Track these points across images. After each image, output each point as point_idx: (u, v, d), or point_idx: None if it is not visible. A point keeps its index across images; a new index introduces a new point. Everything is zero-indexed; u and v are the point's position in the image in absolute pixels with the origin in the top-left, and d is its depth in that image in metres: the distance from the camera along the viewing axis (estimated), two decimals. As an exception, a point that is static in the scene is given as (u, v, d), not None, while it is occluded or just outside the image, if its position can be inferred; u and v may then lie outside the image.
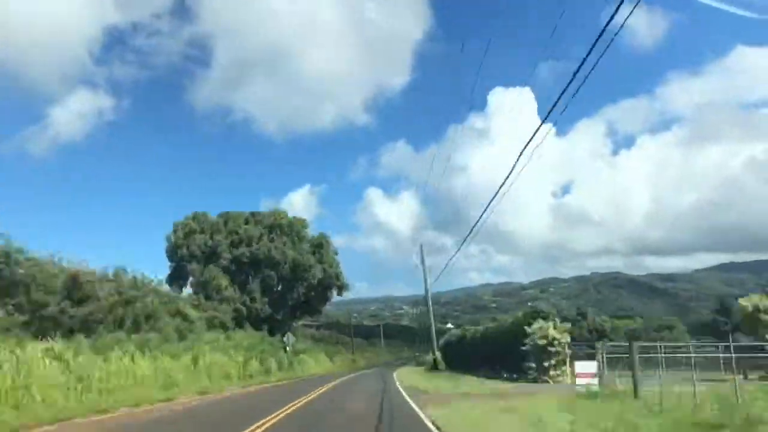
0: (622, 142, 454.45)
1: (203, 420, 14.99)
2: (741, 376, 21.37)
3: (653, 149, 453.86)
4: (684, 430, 10.01)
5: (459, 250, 39.73)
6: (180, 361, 25.91)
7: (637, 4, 8.50)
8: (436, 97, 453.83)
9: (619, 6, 8.39)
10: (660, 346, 21.19)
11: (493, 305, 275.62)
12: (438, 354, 50.78)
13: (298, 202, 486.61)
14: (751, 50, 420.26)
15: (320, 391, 24.11)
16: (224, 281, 51.89)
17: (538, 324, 28.23)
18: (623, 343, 24.19)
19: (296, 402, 18.38)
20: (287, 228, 59.76)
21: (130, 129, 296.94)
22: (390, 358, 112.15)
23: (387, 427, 11.94)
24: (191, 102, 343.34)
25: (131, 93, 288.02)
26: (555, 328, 27.82)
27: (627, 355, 18.22)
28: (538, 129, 13.35)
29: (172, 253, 55.76)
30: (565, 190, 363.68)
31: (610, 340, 32.25)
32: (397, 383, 30.23)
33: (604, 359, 20.99)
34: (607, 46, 9.17)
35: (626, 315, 76.68)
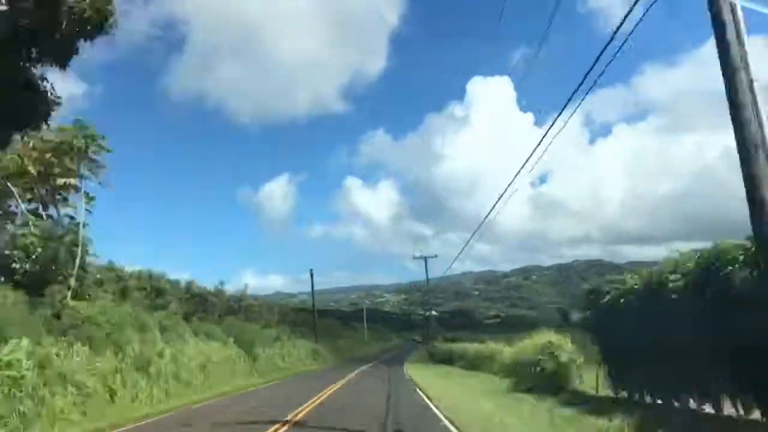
0: (599, 131, 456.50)
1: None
2: None
3: (630, 138, 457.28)
4: None
5: (467, 244, 36.52)
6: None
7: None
8: (413, 84, 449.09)
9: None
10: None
11: (476, 293, 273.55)
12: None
13: (277, 192, 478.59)
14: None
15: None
16: None
17: None
18: None
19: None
20: None
21: (96, 114, 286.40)
22: (376, 349, 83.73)
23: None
24: (160, 87, 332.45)
25: (97, 77, 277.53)
26: None
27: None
28: (548, 131, 12.39)
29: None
30: (542, 179, 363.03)
31: None
32: None
33: None
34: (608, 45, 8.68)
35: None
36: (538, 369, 19.03)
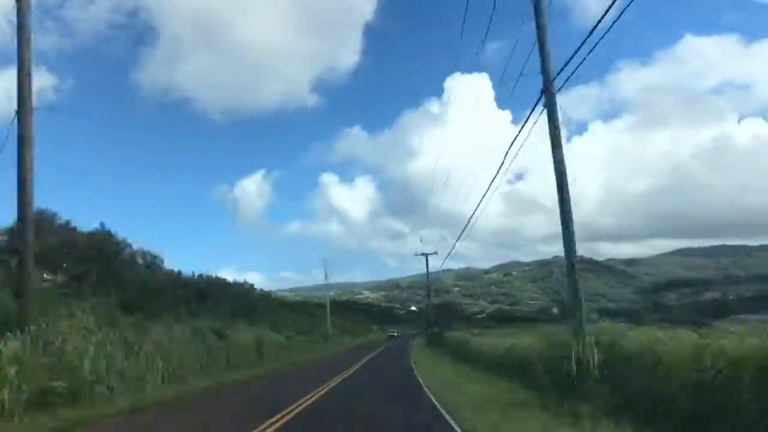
0: (575, 129, 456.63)
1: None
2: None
3: (605, 136, 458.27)
4: None
5: (456, 243, 30.75)
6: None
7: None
8: (389, 79, 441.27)
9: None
10: None
11: (456, 289, 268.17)
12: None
13: (251, 188, 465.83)
14: (699, 39, 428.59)
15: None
16: None
17: None
18: None
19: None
20: None
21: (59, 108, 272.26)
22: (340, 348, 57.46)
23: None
24: (126, 79, 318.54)
25: (59, 69, 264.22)
26: None
27: None
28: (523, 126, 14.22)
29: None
30: (519, 177, 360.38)
31: None
32: None
33: None
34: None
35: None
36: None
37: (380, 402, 14.67)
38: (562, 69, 12.63)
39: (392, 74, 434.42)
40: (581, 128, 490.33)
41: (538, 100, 13.86)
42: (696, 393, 8.17)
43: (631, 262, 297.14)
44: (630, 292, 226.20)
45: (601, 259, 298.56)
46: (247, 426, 10.21)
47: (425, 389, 16.80)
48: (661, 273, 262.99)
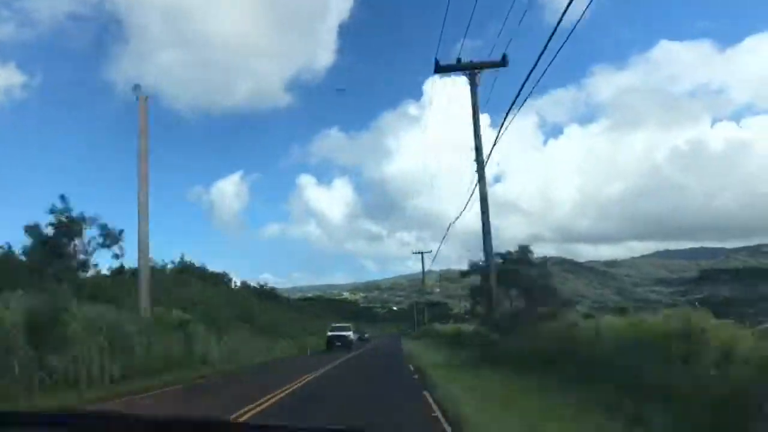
0: (551, 132, 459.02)
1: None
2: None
3: (581, 139, 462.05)
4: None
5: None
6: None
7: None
8: (367, 80, 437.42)
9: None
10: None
11: (437, 290, 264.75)
12: None
13: (229, 190, 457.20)
14: (674, 44, 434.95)
15: None
16: None
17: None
18: None
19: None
20: None
21: (35, 106, 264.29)
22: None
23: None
24: (92, 74, 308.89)
25: (36, 66, 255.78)
26: None
27: None
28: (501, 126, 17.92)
29: None
30: (497, 179, 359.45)
31: None
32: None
33: None
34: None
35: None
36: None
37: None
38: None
39: (369, 75, 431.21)
40: (557, 131, 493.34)
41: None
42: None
43: (612, 263, 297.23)
44: (612, 293, 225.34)
45: (582, 260, 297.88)
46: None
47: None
48: (642, 274, 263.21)
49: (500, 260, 31.50)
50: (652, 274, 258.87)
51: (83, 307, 17.05)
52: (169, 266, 50.05)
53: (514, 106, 15.66)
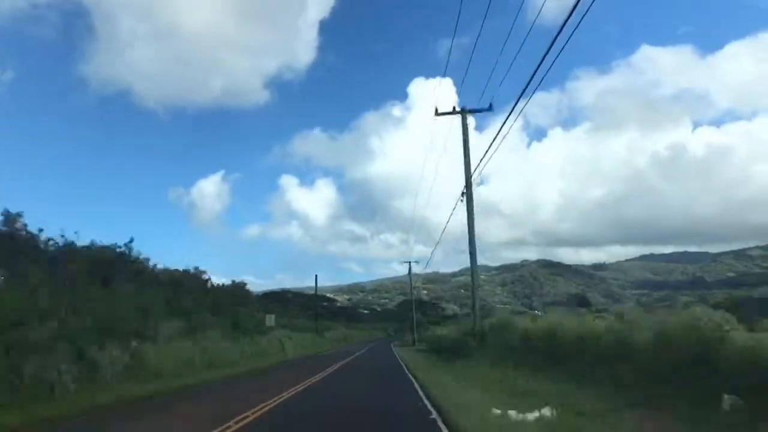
0: (534, 135, 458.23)
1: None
2: None
3: (564, 142, 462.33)
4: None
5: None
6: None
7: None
8: (349, 81, 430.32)
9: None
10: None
11: (424, 292, 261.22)
12: None
13: (209, 190, 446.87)
14: (655, 50, 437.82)
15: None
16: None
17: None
18: None
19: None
20: None
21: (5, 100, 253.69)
22: None
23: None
24: (60, 67, 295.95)
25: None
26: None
27: None
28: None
29: None
30: (481, 181, 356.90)
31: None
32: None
33: None
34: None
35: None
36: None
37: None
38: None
39: (352, 74, 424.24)
40: (541, 134, 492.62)
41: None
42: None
43: (599, 266, 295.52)
44: (600, 295, 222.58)
45: (570, 263, 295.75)
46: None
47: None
48: (628, 278, 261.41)
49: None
50: (639, 277, 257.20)
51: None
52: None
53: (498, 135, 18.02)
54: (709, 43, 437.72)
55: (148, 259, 37.36)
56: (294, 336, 47.70)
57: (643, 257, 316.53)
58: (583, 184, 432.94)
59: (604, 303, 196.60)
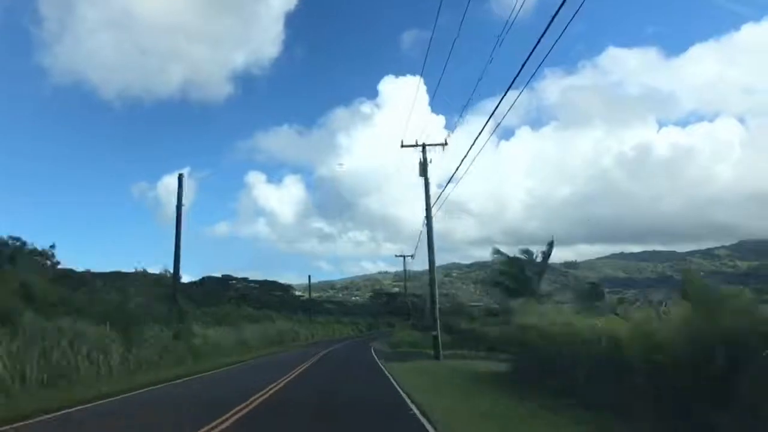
0: (503, 135, 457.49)
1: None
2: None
3: (531, 142, 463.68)
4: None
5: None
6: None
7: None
8: (318, 77, 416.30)
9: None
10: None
11: (396, 289, 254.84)
12: None
13: (174, 185, 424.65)
14: (621, 51, 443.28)
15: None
16: None
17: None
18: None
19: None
20: None
21: None
22: None
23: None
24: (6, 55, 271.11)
25: None
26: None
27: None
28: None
29: None
30: (450, 179, 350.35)
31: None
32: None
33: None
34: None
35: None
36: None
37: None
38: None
39: (320, 70, 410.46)
40: (509, 134, 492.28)
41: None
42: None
43: (571, 264, 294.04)
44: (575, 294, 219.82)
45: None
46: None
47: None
48: (600, 276, 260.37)
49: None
50: (609, 276, 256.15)
51: None
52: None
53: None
54: (674, 44, 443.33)
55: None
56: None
57: (614, 255, 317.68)
58: (551, 183, 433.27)
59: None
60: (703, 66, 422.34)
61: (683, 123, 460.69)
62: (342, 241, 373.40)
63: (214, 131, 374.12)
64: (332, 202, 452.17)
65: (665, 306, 11.39)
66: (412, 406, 12.22)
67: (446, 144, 30.65)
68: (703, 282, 10.09)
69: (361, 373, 23.30)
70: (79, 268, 39.63)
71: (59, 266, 35.46)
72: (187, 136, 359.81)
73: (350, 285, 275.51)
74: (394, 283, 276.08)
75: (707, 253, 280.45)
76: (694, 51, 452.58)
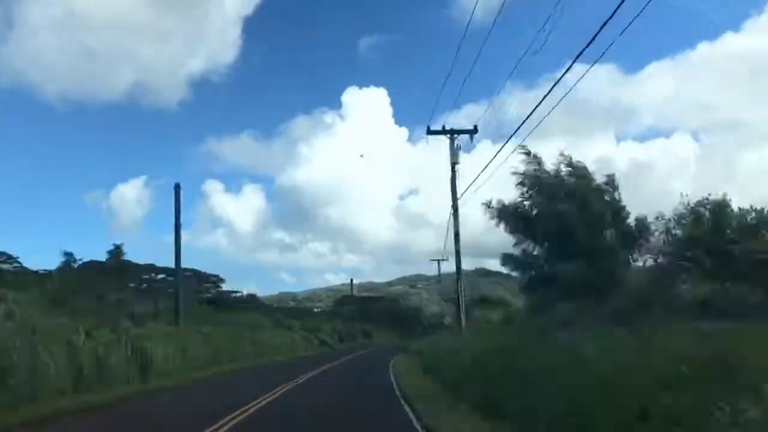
0: (464, 147, 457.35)
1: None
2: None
3: (492, 154, 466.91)
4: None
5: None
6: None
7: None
8: (277, 84, 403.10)
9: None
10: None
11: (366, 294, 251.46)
12: None
13: (130, 195, 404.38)
14: (582, 66, 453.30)
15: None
16: None
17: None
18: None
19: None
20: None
21: None
22: None
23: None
24: None
25: None
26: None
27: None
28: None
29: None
30: (411, 192, 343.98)
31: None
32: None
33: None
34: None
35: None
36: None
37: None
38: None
39: (280, 78, 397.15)
40: (469, 147, 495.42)
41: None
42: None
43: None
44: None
45: (505, 271, 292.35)
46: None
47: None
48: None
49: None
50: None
51: None
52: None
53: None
54: (632, 62, 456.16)
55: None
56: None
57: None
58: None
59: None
60: (660, 83, 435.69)
61: (642, 138, 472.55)
62: (303, 252, 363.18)
63: (167, 138, 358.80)
64: (293, 212, 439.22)
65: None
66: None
67: (476, 131, 28.64)
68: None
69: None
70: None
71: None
72: (139, 143, 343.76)
73: (312, 296, 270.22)
74: (358, 294, 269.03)
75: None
76: (651, 68, 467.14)
